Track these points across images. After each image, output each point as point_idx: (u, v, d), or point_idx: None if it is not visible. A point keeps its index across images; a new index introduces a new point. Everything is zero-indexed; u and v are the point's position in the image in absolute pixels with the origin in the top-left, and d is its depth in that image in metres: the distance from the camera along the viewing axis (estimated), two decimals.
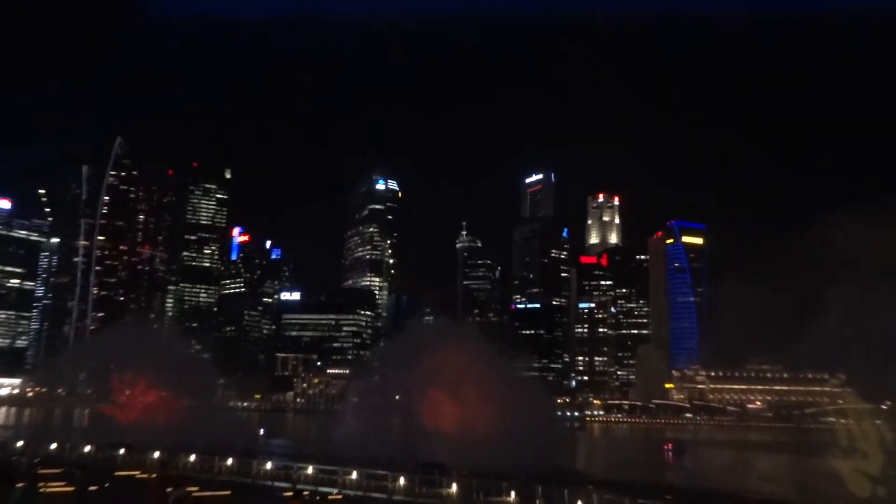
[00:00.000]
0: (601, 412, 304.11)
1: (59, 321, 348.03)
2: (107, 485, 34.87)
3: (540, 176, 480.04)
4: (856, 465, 44.50)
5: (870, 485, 42.75)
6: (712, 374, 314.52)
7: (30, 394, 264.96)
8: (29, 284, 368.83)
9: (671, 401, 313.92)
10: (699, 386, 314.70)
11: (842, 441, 49.35)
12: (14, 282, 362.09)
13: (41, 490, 24.98)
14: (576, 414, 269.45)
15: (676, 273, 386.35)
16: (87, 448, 53.39)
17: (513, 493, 37.45)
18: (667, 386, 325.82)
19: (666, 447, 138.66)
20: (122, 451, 51.35)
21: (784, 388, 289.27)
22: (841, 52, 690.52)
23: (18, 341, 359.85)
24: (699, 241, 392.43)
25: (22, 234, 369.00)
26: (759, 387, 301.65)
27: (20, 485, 24.27)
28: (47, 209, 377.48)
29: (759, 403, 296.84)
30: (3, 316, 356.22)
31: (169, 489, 24.15)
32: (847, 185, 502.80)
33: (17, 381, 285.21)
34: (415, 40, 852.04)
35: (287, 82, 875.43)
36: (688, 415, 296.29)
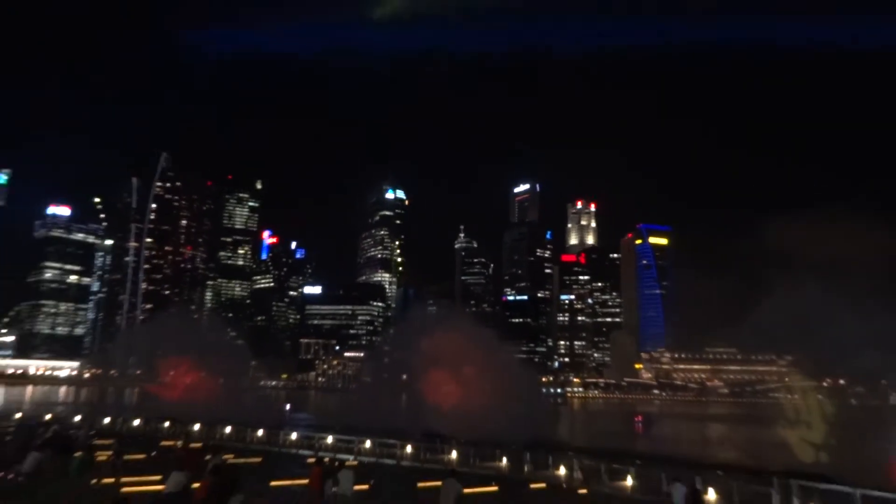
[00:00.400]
0: (580, 389, 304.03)
1: (112, 312, 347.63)
2: (153, 453, 34.79)
3: (527, 186, 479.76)
4: (801, 434, 44.43)
5: (813, 451, 42.72)
6: (676, 356, 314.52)
7: (86, 375, 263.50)
8: (86, 280, 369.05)
9: (641, 379, 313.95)
10: (664, 366, 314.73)
11: (788, 414, 49.23)
12: (73, 278, 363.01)
13: (95, 459, 24.90)
14: (558, 391, 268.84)
15: (644, 269, 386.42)
16: (137, 422, 53.17)
17: (504, 459, 37.39)
18: (637, 366, 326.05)
19: (636, 419, 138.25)
20: (166, 423, 51.16)
21: (738, 367, 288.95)
22: (802, 59, 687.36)
23: (77, 329, 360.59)
24: (664, 241, 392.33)
25: (80, 236, 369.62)
26: (717, 367, 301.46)
27: (78, 454, 24.22)
28: (102, 215, 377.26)
29: (716, 381, 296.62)
30: (64, 307, 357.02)
31: (207, 457, 24.08)
32: (796, 188, 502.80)
33: (75, 363, 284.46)
34: (413, 67, 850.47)
35: (310, 107, 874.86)
36: (655, 391, 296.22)
